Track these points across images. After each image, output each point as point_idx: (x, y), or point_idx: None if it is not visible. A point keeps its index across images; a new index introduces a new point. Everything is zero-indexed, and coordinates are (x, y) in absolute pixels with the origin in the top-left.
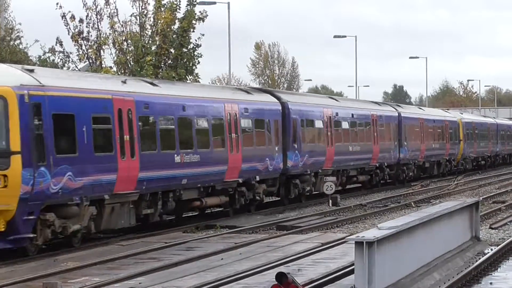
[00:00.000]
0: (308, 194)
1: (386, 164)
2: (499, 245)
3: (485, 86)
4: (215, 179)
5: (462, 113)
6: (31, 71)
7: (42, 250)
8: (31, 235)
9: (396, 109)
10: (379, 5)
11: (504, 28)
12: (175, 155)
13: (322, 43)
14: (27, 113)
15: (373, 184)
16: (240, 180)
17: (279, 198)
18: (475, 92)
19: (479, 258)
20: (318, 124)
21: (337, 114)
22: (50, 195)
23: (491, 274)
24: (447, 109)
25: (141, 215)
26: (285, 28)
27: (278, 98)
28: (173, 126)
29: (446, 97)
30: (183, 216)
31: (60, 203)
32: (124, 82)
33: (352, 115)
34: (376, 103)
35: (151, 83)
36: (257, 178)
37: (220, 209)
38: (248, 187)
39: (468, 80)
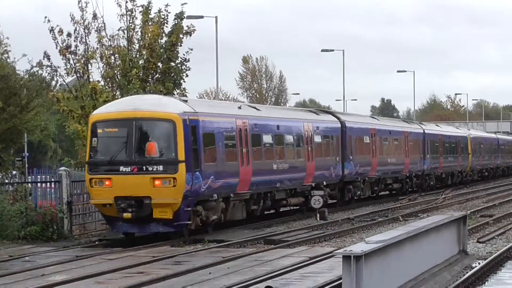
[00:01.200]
0: (356, 198)
1: (414, 174)
2: (487, 259)
3: (473, 100)
4: (297, 183)
5: (469, 129)
6: (186, 101)
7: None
8: (188, 222)
9: (421, 127)
10: (364, 20)
11: (488, 44)
12: (273, 164)
13: (308, 57)
14: (188, 132)
15: (403, 192)
16: (313, 184)
17: (335, 201)
18: (463, 106)
19: (467, 272)
20: (366, 139)
21: (379, 131)
22: (201, 192)
23: None
24: (456, 125)
25: (250, 210)
26: (270, 43)
27: (338, 118)
28: (272, 141)
29: (433, 110)
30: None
31: (205, 198)
32: (240, 107)
33: (390, 132)
34: (405, 121)
35: (255, 108)
36: (324, 183)
37: (297, 207)
38: (318, 190)
39: (455, 94)
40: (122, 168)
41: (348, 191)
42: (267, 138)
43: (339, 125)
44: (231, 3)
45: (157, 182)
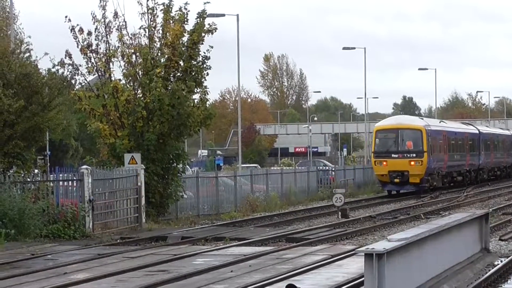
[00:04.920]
0: (481, 179)
1: (508, 166)
2: (509, 256)
3: (495, 97)
4: (461, 167)
5: None
6: (422, 118)
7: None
8: (426, 185)
9: (509, 130)
10: (373, 17)
11: (500, 40)
12: (454, 155)
13: (328, 55)
14: (428, 136)
15: (501, 177)
16: (467, 168)
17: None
18: (484, 104)
19: (489, 270)
20: (489, 142)
21: (493, 135)
22: (431, 169)
23: (501, 286)
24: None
25: (444, 181)
26: (284, 41)
27: (476, 127)
28: (454, 142)
29: (455, 108)
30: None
31: (432, 172)
32: (440, 122)
33: (498, 136)
34: (501, 128)
35: (444, 122)
36: (472, 169)
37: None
38: (472, 172)
39: (477, 92)
40: (393, 155)
41: (479, 175)
42: (452, 140)
43: (477, 132)
44: (241, 2)
45: (412, 163)
